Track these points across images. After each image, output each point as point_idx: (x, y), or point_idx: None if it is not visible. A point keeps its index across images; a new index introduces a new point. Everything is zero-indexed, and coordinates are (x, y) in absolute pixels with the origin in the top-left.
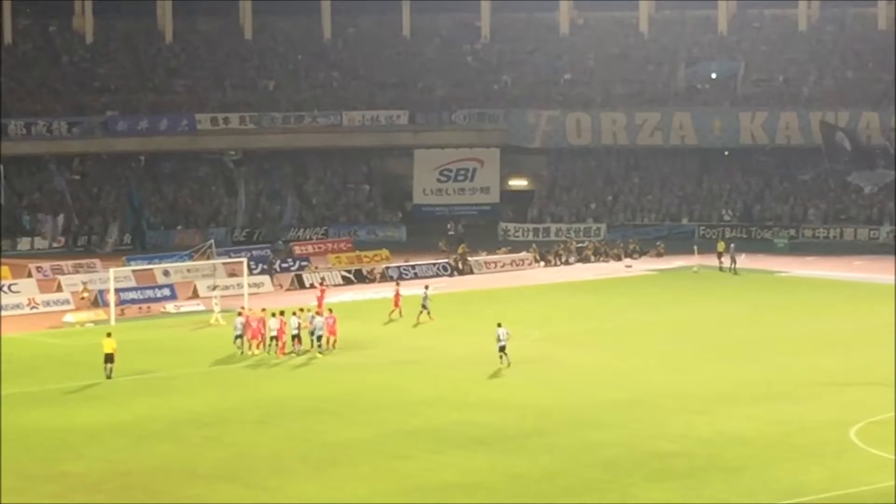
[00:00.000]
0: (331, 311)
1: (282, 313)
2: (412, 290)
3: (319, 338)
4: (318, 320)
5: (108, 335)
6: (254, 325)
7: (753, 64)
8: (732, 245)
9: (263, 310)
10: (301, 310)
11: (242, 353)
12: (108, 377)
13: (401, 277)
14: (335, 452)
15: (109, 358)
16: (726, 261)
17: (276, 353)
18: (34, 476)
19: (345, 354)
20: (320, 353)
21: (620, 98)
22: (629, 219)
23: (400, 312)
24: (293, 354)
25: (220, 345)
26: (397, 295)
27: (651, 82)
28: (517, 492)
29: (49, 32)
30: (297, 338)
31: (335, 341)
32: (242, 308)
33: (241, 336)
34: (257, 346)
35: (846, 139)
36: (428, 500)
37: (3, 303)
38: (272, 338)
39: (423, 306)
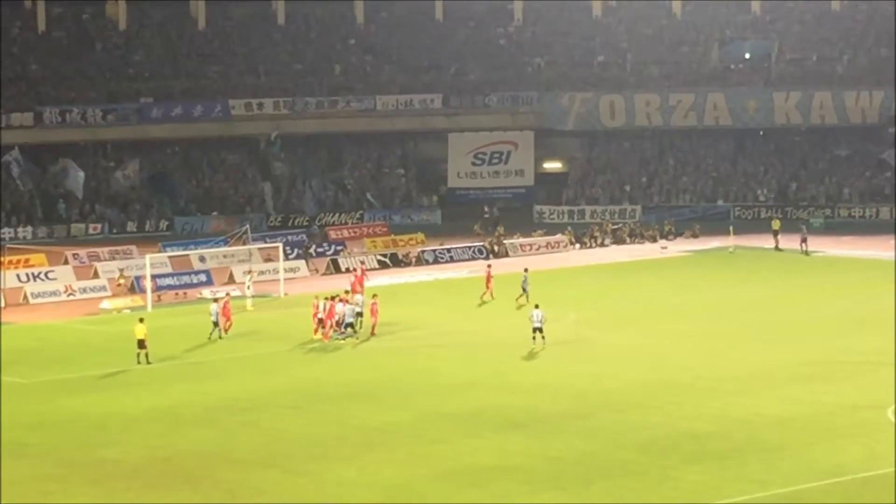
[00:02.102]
0: (375, 295)
1: (332, 298)
2: (449, 273)
3: (360, 315)
4: (358, 298)
5: (141, 320)
6: (322, 310)
7: (787, 44)
8: (804, 226)
9: (317, 296)
10: (347, 292)
11: (211, 338)
12: (139, 363)
13: (436, 261)
14: (372, 436)
15: (141, 344)
16: (784, 241)
17: (337, 336)
18: (73, 462)
19: (381, 338)
20: (353, 336)
21: (654, 79)
22: (664, 200)
23: (491, 294)
24: (338, 339)
25: (255, 330)
26: (489, 276)
27: (685, 63)
28: (554, 474)
29: (82, 20)
30: (344, 323)
31: (374, 326)
32: (225, 295)
33: (217, 323)
34: (325, 335)
35: None
36: (465, 484)
37: (40, 290)
38: (319, 320)
39: (524, 289)
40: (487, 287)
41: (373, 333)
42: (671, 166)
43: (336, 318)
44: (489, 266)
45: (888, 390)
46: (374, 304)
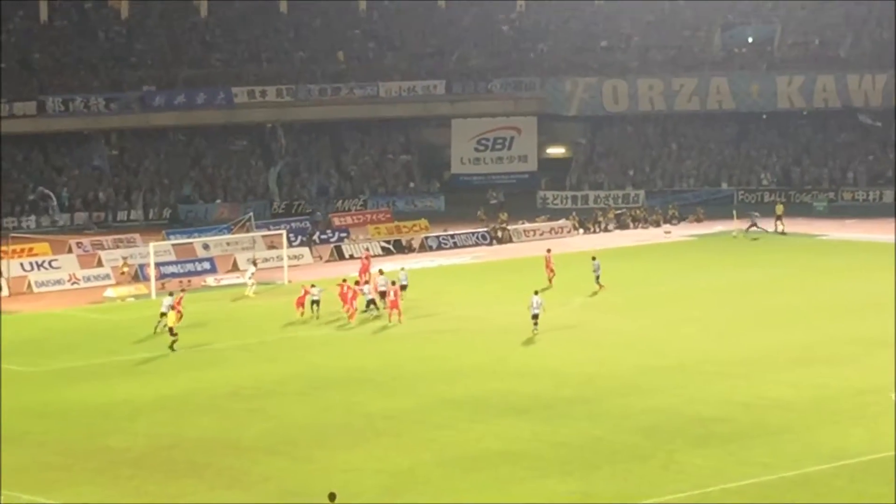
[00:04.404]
0: (393, 283)
1: (357, 283)
2: (452, 259)
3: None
4: (365, 289)
5: (172, 308)
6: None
7: (790, 27)
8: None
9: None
10: (381, 272)
11: (156, 332)
12: (171, 349)
13: (440, 247)
14: (377, 423)
15: (171, 331)
16: (781, 225)
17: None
18: (77, 451)
19: (385, 325)
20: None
21: (657, 64)
22: (668, 185)
23: (550, 281)
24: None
25: (261, 317)
26: (549, 260)
27: (687, 48)
28: (560, 459)
29: (85, 9)
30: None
31: (399, 314)
32: (181, 292)
33: (165, 314)
34: (350, 315)
35: None
36: (471, 469)
37: (45, 279)
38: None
39: (596, 276)
40: (549, 271)
41: (399, 320)
42: (674, 151)
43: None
44: (549, 251)
45: (891, 373)
46: (392, 290)
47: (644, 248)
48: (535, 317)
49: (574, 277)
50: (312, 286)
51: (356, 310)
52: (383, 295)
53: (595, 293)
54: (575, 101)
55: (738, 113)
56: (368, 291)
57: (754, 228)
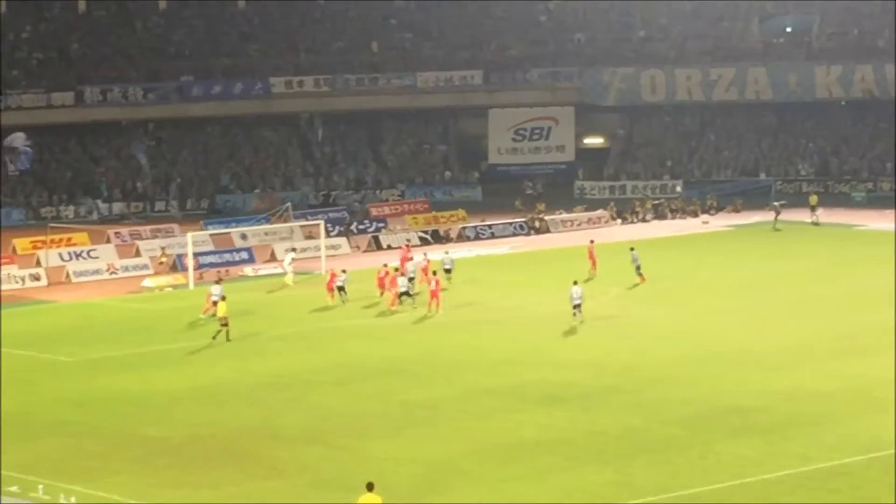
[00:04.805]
0: (434, 273)
1: (396, 270)
2: (489, 249)
3: (407, 294)
4: (400, 281)
5: (223, 299)
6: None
7: (828, 17)
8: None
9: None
10: (396, 269)
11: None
12: (227, 339)
13: (478, 237)
14: (415, 412)
15: (223, 321)
16: (815, 216)
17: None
18: (116, 440)
19: (424, 315)
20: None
21: (695, 54)
22: (705, 175)
23: (592, 271)
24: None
25: (299, 307)
26: (592, 251)
27: (726, 38)
28: (597, 449)
29: None
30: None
31: (438, 304)
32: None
33: (216, 304)
34: (391, 302)
35: None
36: (508, 459)
37: (83, 269)
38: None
39: (637, 268)
40: (594, 264)
41: (438, 310)
42: (712, 141)
43: (397, 288)
44: (592, 242)
45: None
46: (433, 282)
47: (682, 239)
48: (578, 307)
49: (611, 268)
50: (343, 271)
51: (396, 295)
52: (411, 280)
53: (636, 285)
54: (613, 91)
55: (776, 103)
56: (403, 284)
57: (779, 218)
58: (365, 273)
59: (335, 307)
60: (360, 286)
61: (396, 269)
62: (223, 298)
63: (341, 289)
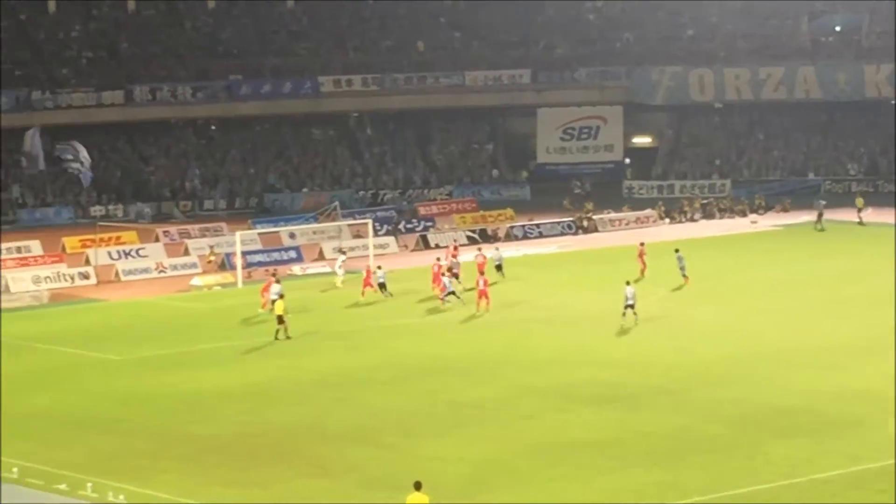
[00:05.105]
0: (482, 273)
1: (449, 270)
2: (537, 248)
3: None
4: (445, 280)
5: (281, 296)
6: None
7: (878, 16)
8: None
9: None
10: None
11: (261, 314)
12: (286, 337)
13: (525, 237)
14: (463, 411)
15: (280, 319)
16: (860, 215)
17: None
18: (164, 438)
19: (471, 314)
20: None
21: (744, 53)
22: (754, 174)
23: (642, 273)
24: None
25: (346, 306)
26: (642, 253)
27: (774, 36)
28: (646, 448)
29: None
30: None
31: (487, 302)
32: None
33: (275, 301)
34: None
35: None
36: (556, 458)
37: (132, 267)
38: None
39: (681, 268)
40: (642, 264)
41: (487, 309)
42: (761, 140)
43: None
44: (642, 244)
45: None
46: (482, 281)
47: (730, 238)
48: (631, 306)
49: (659, 268)
50: (378, 268)
51: (444, 290)
52: (457, 276)
53: (681, 286)
54: (661, 90)
55: (825, 102)
56: (450, 283)
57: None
58: (412, 272)
59: (379, 303)
60: (407, 285)
61: (450, 270)
62: (281, 296)
63: (382, 286)
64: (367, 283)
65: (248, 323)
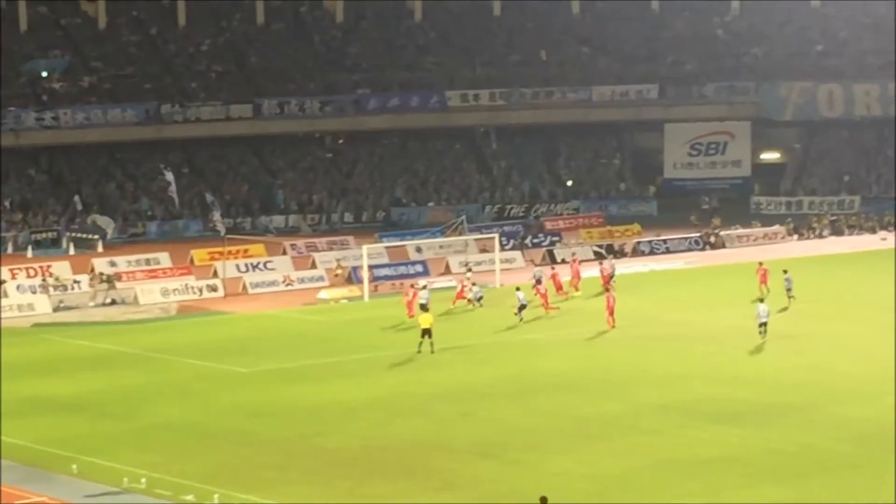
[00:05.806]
0: (608, 289)
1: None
2: (664, 264)
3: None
4: (520, 295)
5: (427, 309)
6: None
7: None
8: None
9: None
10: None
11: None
12: (428, 350)
13: (652, 252)
14: (589, 427)
15: (426, 332)
16: None
17: None
18: (291, 451)
19: (596, 330)
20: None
21: (873, 69)
22: (883, 191)
23: (767, 288)
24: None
25: (472, 320)
26: (764, 272)
27: None
28: (771, 466)
29: (300, 12)
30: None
31: (612, 319)
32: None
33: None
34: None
35: None
36: (683, 475)
37: (259, 280)
38: None
39: (788, 290)
40: (763, 282)
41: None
42: (890, 157)
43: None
44: (761, 264)
45: None
46: (609, 297)
47: (859, 255)
48: (764, 325)
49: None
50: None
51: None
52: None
53: (785, 308)
54: (790, 105)
55: None
56: (523, 297)
57: None
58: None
59: (501, 318)
60: (532, 301)
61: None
62: (427, 309)
63: (423, 306)
64: (410, 305)
65: (374, 336)
